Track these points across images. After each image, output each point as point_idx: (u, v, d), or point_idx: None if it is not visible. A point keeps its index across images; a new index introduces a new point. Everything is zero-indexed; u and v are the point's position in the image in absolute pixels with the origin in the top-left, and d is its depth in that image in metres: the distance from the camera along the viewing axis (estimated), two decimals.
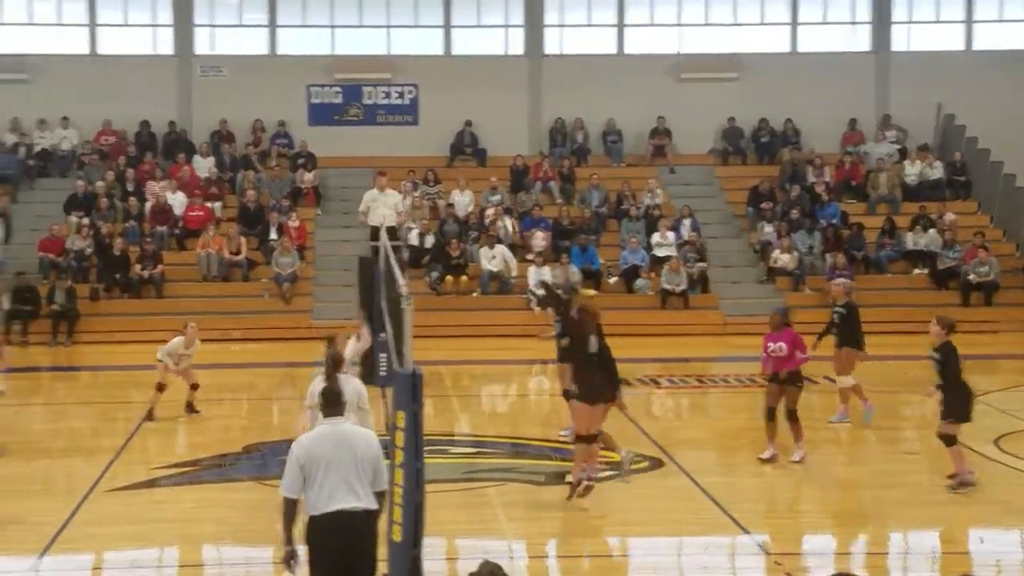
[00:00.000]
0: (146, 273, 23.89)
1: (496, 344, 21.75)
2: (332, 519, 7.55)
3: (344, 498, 7.56)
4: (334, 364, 10.60)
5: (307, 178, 27.15)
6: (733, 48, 29.43)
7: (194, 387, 16.04)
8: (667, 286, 24.23)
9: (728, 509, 11.77)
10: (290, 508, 7.71)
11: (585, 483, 11.77)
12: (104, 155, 27.38)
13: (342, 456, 7.66)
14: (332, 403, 8.00)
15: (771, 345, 13.34)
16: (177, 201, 25.96)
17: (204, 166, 27.27)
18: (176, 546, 11.10)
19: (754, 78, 28.95)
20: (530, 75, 29.15)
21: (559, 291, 15.38)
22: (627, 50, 29.49)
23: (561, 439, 13.86)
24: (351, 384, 10.61)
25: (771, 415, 13.43)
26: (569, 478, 11.95)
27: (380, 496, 7.78)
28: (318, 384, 10.80)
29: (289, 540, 7.70)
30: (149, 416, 15.67)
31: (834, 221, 26.34)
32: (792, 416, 13.38)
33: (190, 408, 16.04)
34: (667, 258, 24.69)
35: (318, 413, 10.61)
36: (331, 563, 7.56)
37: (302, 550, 7.69)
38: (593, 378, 11.76)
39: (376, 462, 7.75)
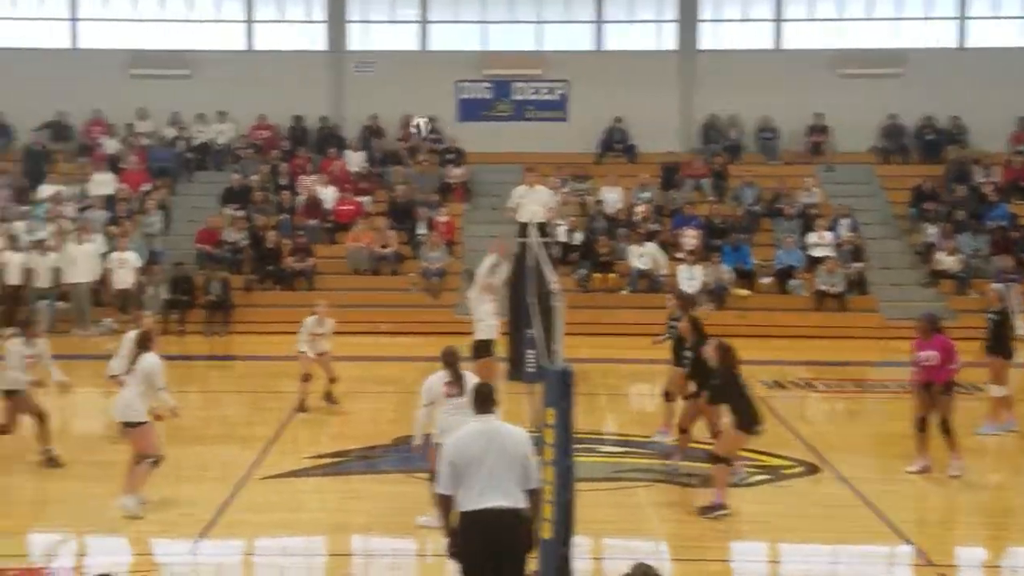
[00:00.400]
0: (298, 266, 24.18)
1: (645, 343, 21.38)
2: (480, 516, 7.57)
3: (493, 496, 7.57)
4: (452, 357, 10.84)
5: (456, 173, 27.19)
6: (897, 43, 28.57)
7: (332, 380, 16.18)
8: (823, 287, 23.54)
9: (887, 517, 11.35)
10: (445, 503, 7.76)
11: (722, 512, 11.52)
12: (259, 149, 27.85)
13: (493, 454, 7.66)
14: (483, 401, 7.99)
15: (921, 354, 12.81)
16: (328, 195, 26.25)
17: (355, 161, 27.53)
18: (326, 535, 11.18)
19: (918, 74, 28.00)
20: (683, 71, 28.73)
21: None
22: (784, 45, 28.90)
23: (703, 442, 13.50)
24: (468, 377, 10.79)
25: (922, 425, 12.95)
26: (710, 500, 11.68)
27: (532, 494, 7.73)
28: (435, 382, 10.88)
29: (450, 534, 7.77)
30: (301, 407, 15.83)
31: (1002, 223, 25.29)
32: (946, 428, 12.82)
33: (329, 398, 16.16)
34: (823, 258, 24.00)
35: (432, 410, 10.74)
36: (479, 559, 7.57)
37: None
38: (752, 407, 11.60)
39: (526, 460, 7.72)
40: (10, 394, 13.31)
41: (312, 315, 16.04)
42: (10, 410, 13.35)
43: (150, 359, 11.46)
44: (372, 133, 28.28)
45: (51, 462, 13.18)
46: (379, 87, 28.54)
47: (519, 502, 7.65)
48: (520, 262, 18.29)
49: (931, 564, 10.29)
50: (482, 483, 7.58)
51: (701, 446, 13.78)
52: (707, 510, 11.52)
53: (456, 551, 7.76)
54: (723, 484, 11.57)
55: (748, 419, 11.55)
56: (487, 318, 16.27)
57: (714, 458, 11.70)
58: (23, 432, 14.77)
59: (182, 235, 25.43)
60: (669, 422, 14.14)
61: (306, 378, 15.89)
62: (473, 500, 7.58)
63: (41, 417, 13.32)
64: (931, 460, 12.97)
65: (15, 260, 23.16)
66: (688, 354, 13.16)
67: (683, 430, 13.25)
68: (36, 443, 13.34)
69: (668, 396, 14.16)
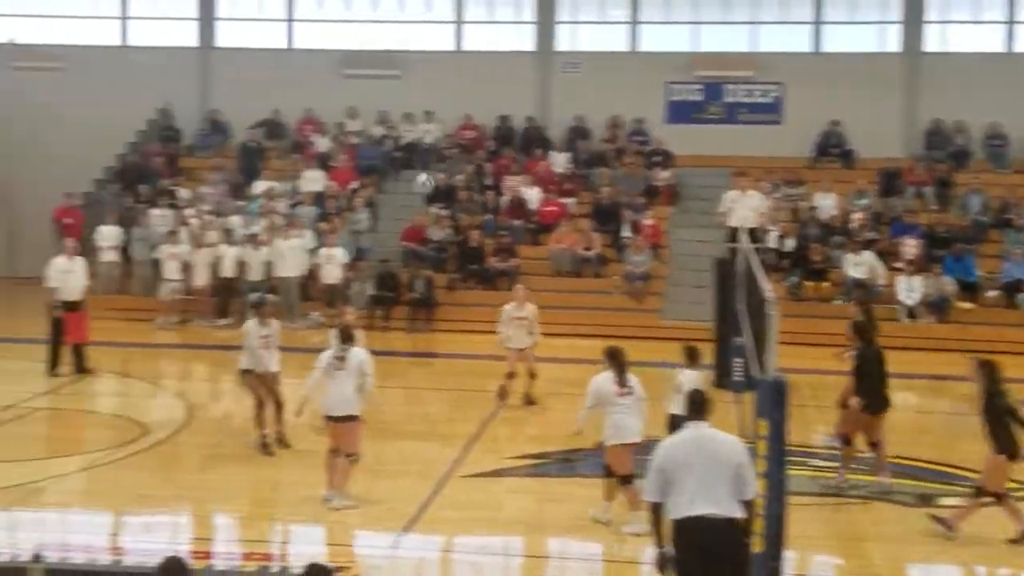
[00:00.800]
0: (501, 265, 24.09)
1: None
2: (693, 524, 7.35)
3: (704, 504, 7.33)
4: (618, 356, 10.87)
5: (663, 176, 26.69)
6: None
7: (532, 376, 16.18)
8: None
9: None
10: (654, 511, 7.57)
11: (949, 534, 10.92)
12: (464, 149, 27.93)
13: (703, 460, 7.43)
14: (697, 407, 7.74)
15: None
16: (533, 196, 26.09)
17: (560, 161, 27.32)
18: (523, 536, 11.04)
19: None
20: (907, 73, 27.59)
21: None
22: (1017, 48, 27.48)
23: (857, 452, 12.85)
24: (632, 379, 10.94)
25: None
26: (946, 515, 11.14)
27: (747, 504, 7.46)
28: (603, 383, 10.89)
29: (659, 543, 7.55)
30: (502, 394, 15.85)
31: None
32: None
33: (528, 399, 16.18)
34: None
35: (594, 412, 10.81)
36: (693, 568, 7.34)
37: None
38: (1012, 431, 10.86)
39: (740, 469, 7.46)
40: (247, 373, 13.51)
41: (510, 302, 16.15)
42: (259, 386, 13.55)
43: (360, 353, 11.46)
44: (578, 134, 28.04)
45: (265, 448, 13.34)
46: (586, 88, 28.31)
47: (733, 511, 7.39)
48: (730, 268, 17.74)
49: None
50: (693, 490, 7.36)
51: (908, 462, 13.10)
52: (939, 520, 11.01)
53: (667, 560, 7.48)
54: (969, 513, 10.91)
55: (1008, 444, 10.78)
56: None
57: (978, 491, 10.99)
58: (231, 419, 15.10)
59: (388, 233, 25.65)
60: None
61: (511, 376, 15.93)
62: (684, 508, 7.37)
63: (275, 402, 13.51)
64: None
65: (230, 253, 23.79)
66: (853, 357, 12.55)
67: (848, 440, 12.64)
68: (254, 425, 13.56)
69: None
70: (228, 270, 23.70)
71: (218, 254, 23.79)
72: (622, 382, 10.76)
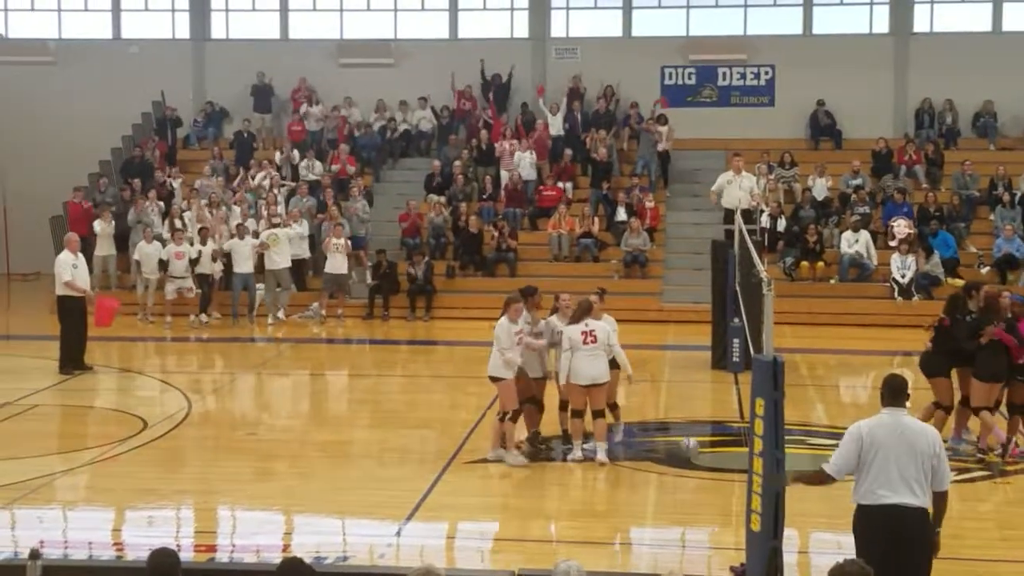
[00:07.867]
0: (500, 251, 24.17)
1: (854, 333, 20.69)
2: (885, 512, 7.39)
3: (900, 492, 7.38)
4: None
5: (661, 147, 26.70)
6: None
7: None
8: None
9: None
10: (823, 479, 7.77)
11: None
12: (459, 116, 27.83)
13: (901, 449, 7.44)
14: (896, 394, 7.69)
15: None
16: (527, 163, 26.00)
17: (557, 125, 27.12)
18: (519, 522, 11.06)
19: None
20: (896, 54, 27.74)
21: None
22: (1005, 27, 27.63)
23: None
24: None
25: None
26: None
27: (939, 496, 7.52)
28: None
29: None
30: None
31: None
32: None
33: None
34: None
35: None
36: (881, 557, 7.19)
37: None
38: None
39: (936, 460, 7.47)
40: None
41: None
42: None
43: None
44: (575, 96, 27.72)
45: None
46: (585, 71, 28.24)
47: (927, 503, 7.45)
48: (726, 250, 17.90)
49: None
50: (887, 477, 7.40)
51: None
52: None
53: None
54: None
55: None
56: None
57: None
58: (231, 413, 15.18)
59: (387, 221, 25.63)
60: None
61: None
62: (882, 495, 7.41)
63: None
64: None
65: (225, 246, 23.16)
66: None
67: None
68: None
69: None
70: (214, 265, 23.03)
71: (214, 247, 23.07)
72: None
